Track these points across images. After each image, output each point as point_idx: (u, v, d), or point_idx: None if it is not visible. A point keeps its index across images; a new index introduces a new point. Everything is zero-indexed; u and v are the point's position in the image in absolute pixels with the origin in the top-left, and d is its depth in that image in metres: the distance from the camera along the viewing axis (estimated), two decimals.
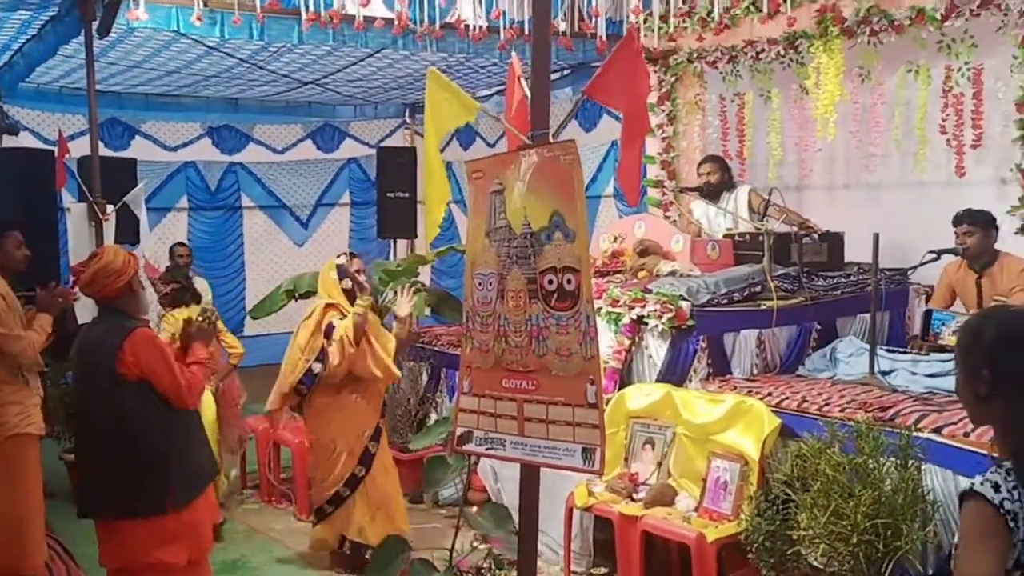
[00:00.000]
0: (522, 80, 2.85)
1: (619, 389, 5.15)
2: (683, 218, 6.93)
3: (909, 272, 5.65)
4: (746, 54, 6.62)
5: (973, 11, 5.39)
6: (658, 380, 5.12)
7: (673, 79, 7.36)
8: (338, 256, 5.39)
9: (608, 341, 5.20)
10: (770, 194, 5.99)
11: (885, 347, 5.29)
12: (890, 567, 3.72)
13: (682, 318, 5.06)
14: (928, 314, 5.33)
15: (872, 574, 3.75)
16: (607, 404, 4.85)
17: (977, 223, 5.29)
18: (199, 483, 3.85)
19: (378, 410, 5.30)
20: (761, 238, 5.57)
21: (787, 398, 4.70)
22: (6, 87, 7.86)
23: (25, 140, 8.62)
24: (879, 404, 4.40)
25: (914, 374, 4.91)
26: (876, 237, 4.88)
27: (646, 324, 5.16)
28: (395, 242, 9.77)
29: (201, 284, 7.53)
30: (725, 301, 5.30)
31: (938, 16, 5.50)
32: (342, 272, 5.22)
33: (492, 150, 9.46)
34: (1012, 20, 5.31)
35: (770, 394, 4.77)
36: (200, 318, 4.10)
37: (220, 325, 5.62)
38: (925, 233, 5.55)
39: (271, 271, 10.59)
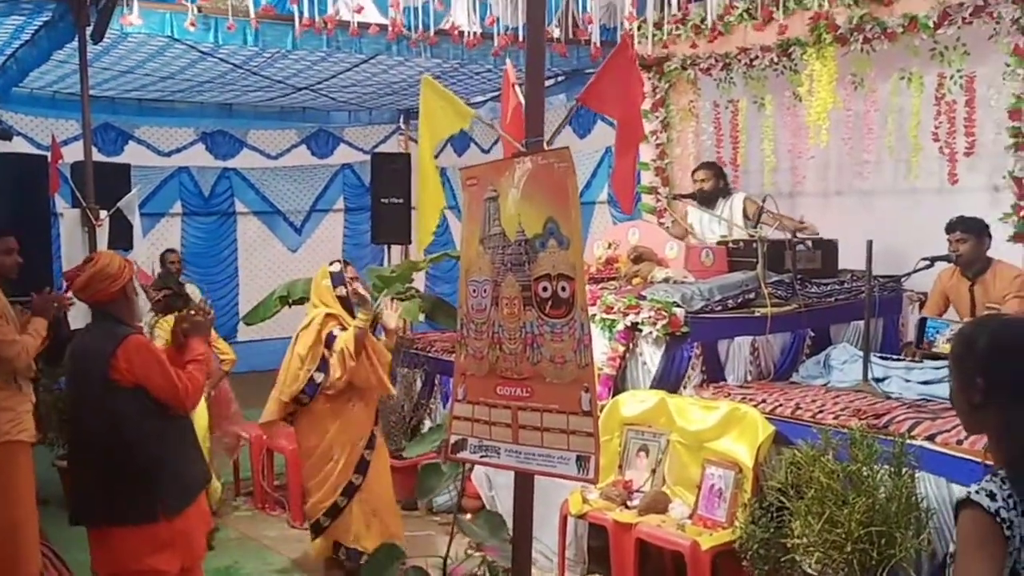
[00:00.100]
0: (517, 87, 2.85)
1: (613, 396, 5.14)
2: (676, 224, 6.93)
3: (902, 279, 5.66)
4: (739, 61, 6.65)
5: (965, 19, 5.42)
6: (652, 387, 5.11)
7: (667, 86, 7.38)
8: (331, 263, 5.31)
9: (602, 348, 5.20)
10: (764, 201, 6.00)
11: (879, 354, 5.29)
12: (884, 575, 3.72)
13: (676, 325, 5.05)
14: (923, 322, 5.34)
15: None
16: (601, 411, 4.84)
17: (970, 230, 5.30)
18: (192, 491, 3.83)
19: (372, 417, 5.29)
20: (755, 245, 5.58)
21: (781, 405, 4.70)
22: None
23: (18, 145, 8.62)
24: (873, 411, 4.41)
25: (907, 381, 4.91)
26: (869, 244, 4.90)
27: (640, 331, 5.16)
28: (389, 248, 9.77)
29: (192, 291, 7.52)
30: (719, 308, 5.30)
31: (931, 24, 5.53)
32: (337, 280, 5.18)
33: (486, 156, 9.49)
34: (1004, 28, 5.34)
35: (764, 401, 4.77)
36: (193, 311, 4.01)
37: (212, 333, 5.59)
38: (918, 240, 5.56)
39: (265, 277, 10.60)
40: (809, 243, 5.85)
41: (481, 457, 2.58)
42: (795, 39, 6.19)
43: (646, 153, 7.39)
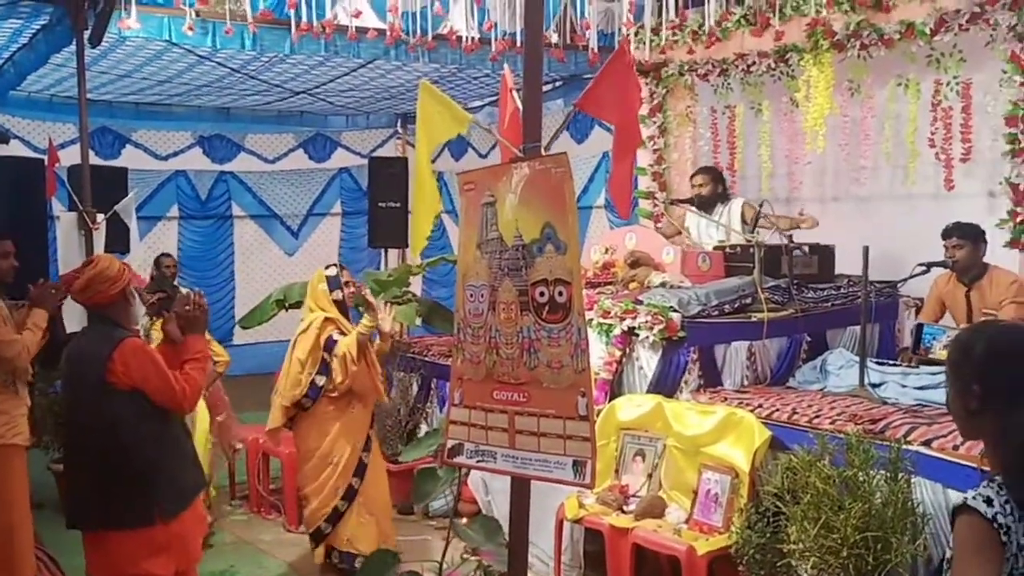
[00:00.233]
0: (514, 92, 2.85)
1: (610, 400, 5.14)
2: (669, 224, 6.92)
3: (899, 285, 5.67)
4: (737, 67, 6.66)
5: (962, 26, 5.43)
6: (649, 391, 5.11)
7: (664, 91, 7.40)
8: (327, 267, 5.30)
9: (599, 352, 5.20)
10: (761, 206, 6.01)
11: (875, 359, 5.30)
12: None
13: (673, 329, 5.06)
14: (919, 328, 5.34)
15: None
16: (597, 415, 4.84)
17: (966, 236, 5.31)
18: (187, 495, 3.82)
19: (369, 420, 5.29)
20: (752, 250, 5.58)
21: (777, 410, 4.70)
22: None
23: (15, 149, 8.62)
24: (869, 416, 4.41)
25: (904, 386, 4.91)
26: (866, 250, 4.90)
27: (637, 335, 5.17)
28: (386, 251, 9.77)
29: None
30: (716, 313, 5.30)
31: (927, 31, 5.55)
32: (333, 284, 5.18)
33: (484, 160, 9.50)
34: (1000, 35, 5.36)
35: (760, 406, 4.77)
36: (187, 307, 3.83)
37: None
38: (914, 246, 5.57)
39: (261, 280, 10.59)
40: (806, 248, 5.86)
41: (477, 461, 2.57)
42: (792, 45, 6.21)
43: (643, 158, 7.40)
